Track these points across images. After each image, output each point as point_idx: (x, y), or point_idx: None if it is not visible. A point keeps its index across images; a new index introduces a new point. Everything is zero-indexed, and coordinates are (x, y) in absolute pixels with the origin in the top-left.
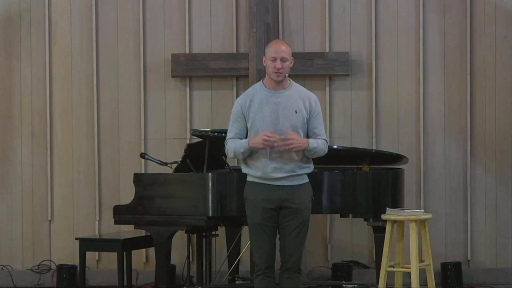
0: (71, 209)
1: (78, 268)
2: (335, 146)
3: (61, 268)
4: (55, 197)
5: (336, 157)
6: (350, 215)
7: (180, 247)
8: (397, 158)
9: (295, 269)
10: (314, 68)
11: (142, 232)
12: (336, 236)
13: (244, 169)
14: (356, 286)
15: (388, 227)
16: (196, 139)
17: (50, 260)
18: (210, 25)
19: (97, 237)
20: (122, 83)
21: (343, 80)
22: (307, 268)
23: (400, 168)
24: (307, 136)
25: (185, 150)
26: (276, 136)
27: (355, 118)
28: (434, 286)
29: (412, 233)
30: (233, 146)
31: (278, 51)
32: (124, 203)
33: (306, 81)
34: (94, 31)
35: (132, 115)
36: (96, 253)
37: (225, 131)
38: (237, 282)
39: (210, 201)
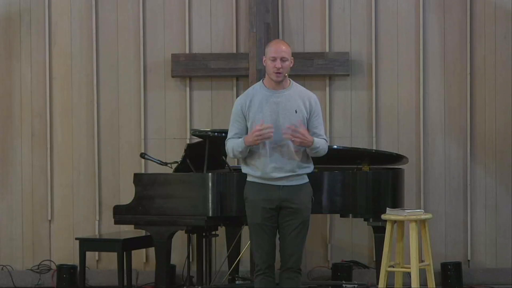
0: (71, 209)
1: (78, 268)
2: (335, 146)
3: (61, 268)
4: (55, 197)
5: (336, 157)
6: (350, 215)
7: (180, 247)
8: (397, 158)
9: (295, 269)
10: (314, 68)
11: (142, 232)
12: (336, 236)
13: (244, 169)
14: (356, 286)
15: (388, 227)
16: (196, 139)
17: (50, 260)
18: (210, 25)
19: (97, 237)
20: (122, 83)
21: (343, 80)
22: (307, 268)
23: (400, 168)
24: None
25: (185, 150)
26: (270, 124)
27: (355, 118)
28: (434, 286)
29: (412, 233)
30: (232, 146)
31: (278, 51)
32: (124, 203)
33: (306, 81)
34: (94, 31)
35: (132, 115)
36: (96, 253)
37: (225, 131)
38: (237, 282)
39: (210, 201)
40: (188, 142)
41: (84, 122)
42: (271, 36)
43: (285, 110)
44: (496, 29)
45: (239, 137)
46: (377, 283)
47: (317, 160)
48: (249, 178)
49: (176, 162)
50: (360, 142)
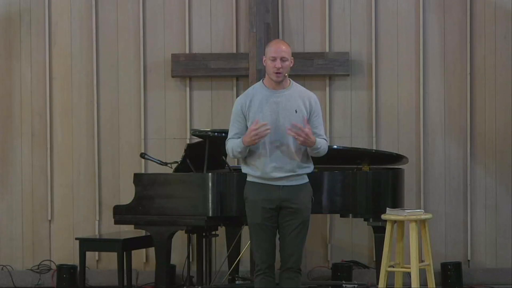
0: (71, 209)
1: (78, 268)
2: (335, 146)
3: (61, 268)
4: (55, 197)
5: (336, 157)
6: (350, 215)
7: (180, 247)
8: (397, 158)
9: (295, 269)
10: (314, 68)
11: (142, 232)
12: (336, 236)
13: (244, 169)
14: (356, 286)
15: (388, 227)
16: (196, 139)
17: (50, 260)
18: (210, 25)
19: (97, 237)
20: (122, 83)
21: (343, 80)
22: (307, 268)
23: (400, 168)
24: None
25: (185, 150)
26: (265, 122)
27: (355, 118)
28: (434, 286)
29: (412, 233)
30: (231, 146)
31: (278, 51)
32: (124, 203)
33: (306, 81)
34: (94, 31)
35: (132, 115)
36: (96, 253)
37: (225, 131)
38: (237, 282)
39: (210, 201)
40: (188, 142)
41: (84, 122)
42: (271, 36)
43: (285, 110)
44: (496, 29)
45: (239, 137)
46: (377, 283)
47: (317, 160)
48: (249, 178)
49: (176, 162)
50: (360, 142)
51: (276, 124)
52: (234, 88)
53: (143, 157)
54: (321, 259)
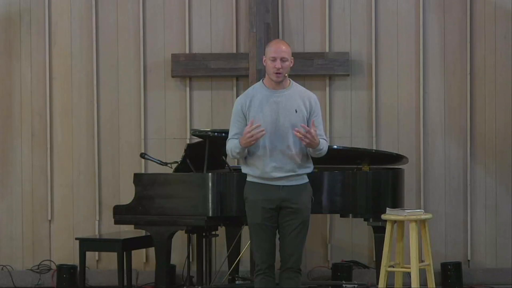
0: (71, 209)
1: (78, 268)
2: (335, 146)
3: (61, 268)
4: (55, 197)
5: (336, 157)
6: (350, 215)
7: (180, 247)
8: (397, 158)
9: (295, 269)
10: (314, 68)
11: (142, 232)
12: (336, 236)
13: (244, 169)
14: (356, 286)
15: (388, 227)
16: (196, 139)
17: (50, 260)
18: (210, 25)
19: (97, 237)
20: (122, 83)
21: (343, 80)
22: (307, 268)
23: (400, 168)
24: None
25: (185, 150)
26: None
27: (355, 118)
28: (434, 286)
29: (412, 233)
30: (230, 146)
31: (278, 51)
32: (124, 203)
33: (306, 81)
34: (94, 31)
35: (132, 115)
36: (96, 253)
37: (225, 131)
38: (237, 282)
39: (210, 201)
40: (188, 142)
41: (84, 122)
42: (271, 36)
43: (285, 110)
44: (496, 29)
45: (239, 137)
46: (377, 283)
47: (317, 160)
48: (249, 178)
49: (176, 162)
50: (360, 142)
51: (276, 124)
52: (234, 88)
53: (143, 157)
54: (321, 259)
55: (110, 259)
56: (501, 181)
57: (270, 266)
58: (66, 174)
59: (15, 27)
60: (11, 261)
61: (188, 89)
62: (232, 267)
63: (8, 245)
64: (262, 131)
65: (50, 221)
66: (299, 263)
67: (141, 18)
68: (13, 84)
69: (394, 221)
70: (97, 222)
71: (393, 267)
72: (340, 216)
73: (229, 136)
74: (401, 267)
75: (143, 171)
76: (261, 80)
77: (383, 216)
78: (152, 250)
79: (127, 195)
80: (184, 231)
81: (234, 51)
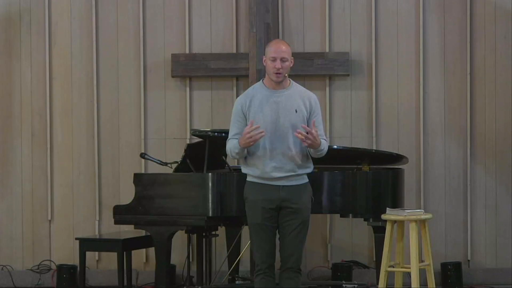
0: (71, 209)
1: (78, 268)
2: (335, 146)
3: (61, 268)
4: (55, 197)
5: (336, 157)
6: (350, 215)
7: (180, 247)
8: (397, 158)
9: (295, 269)
10: (314, 68)
11: (142, 232)
12: (336, 236)
13: (244, 169)
14: (356, 286)
15: (388, 227)
16: (196, 139)
17: (50, 260)
18: (210, 25)
19: (97, 237)
20: (122, 83)
21: (343, 80)
22: (307, 268)
23: (400, 168)
24: None
25: (185, 150)
26: (258, 125)
27: (355, 118)
28: (434, 286)
29: (412, 233)
30: (229, 147)
31: (278, 51)
32: (124, 203)
33: (306, 81)
34: (94, 31)
35: (132, 115)
36: (96, 253)
37: (225, 131)
38: (237, 282)
39: (210, 201)
40: (188, 142)
41: (84, 122)
42: (271, 36)
43: (285, 110)
44: (496, 29)
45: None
46: (377, 283)
47: (317, 160)
48: (249, 178)
49: (176, 162)
50: (360, 142)
51: (276, 124)
52: (234, 88)
53: (143, 157)
54: (321, 259)
55: (110, 259)
56: (501, 181)
57: (270, 266)
58: (66, 174)
59: (15, 27)
60: (11, 261)
61: (188, 89)
62: (232, 267)
63: (8, 245)
64: (262, 132)
65: (50, 221)
66: (299, 263)
67: (141, 18)
68: (13, 84)
69: (394, 221)
70: (97, 222)
71: (393, 267)
72: (340, 216)
73: (229, 136)
74: (401, 267)
75: (143, 171)
76: (261, 80)
77: (383, 216)
78: (152, 250)
79: (127, 195)
80: (184, 231)
81: (234, 51)
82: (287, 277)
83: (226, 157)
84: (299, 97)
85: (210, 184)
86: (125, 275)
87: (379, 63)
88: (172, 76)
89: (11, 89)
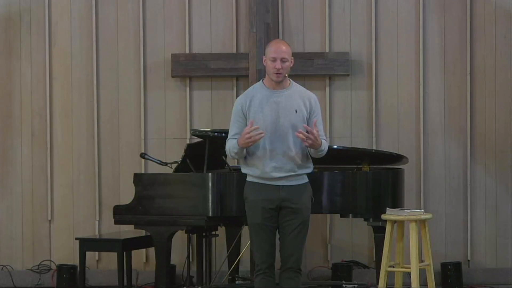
0: (71, 209)
1: (78, 268)
2: (335, 146)
3: (61, 268)
4: (55, 197)
5: (336, 157)
6: (350, 215)
7: (180, 247)
8: (397, 158)
9: (295, 269)
10: (314, 68)
11: (142, 232)
12: (336, 236)
13: (244, 169)
14: (356, 286)
15: (388, 227)
16: (196, 139)
17: (50, 260)
18: (210, 25)
19: (97, 237)
20: (122, 83)
21: (343, 80)
22: (307, 268)
23: (400, 168)
24: None
25: (185, 150)
26: (257, 126)
27: (355, 118)
28: (434, 286)
29: (412, 233)
30: (228, 146)
31: (278, 51)
32: (124, 203)
33: (306, 81)
34: (94, 31)
35: (132, 115)
36: (96, 253)
37: (225, 131)
38: (237, 282)
39: (210, 201)
40: (188, 142)
41: (84, 122)
42: (271, 36)
43: (285, 110)
44: (496, 29)
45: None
46: (377, 283)
47: (317, 160)
48: (249, 178)
49: (176, 162)
50: (360, 142)
51: (276, 124)
52: (234, 88)
53: (143, 157)
54: (321, 259)
55: (110, 259)
56: (501, 181)
57: (270, 266)
58: (66, 174)
59: (15, 27)
60: (11, 261)
61: (188, 89)
62: (232, 267)
63: (8, 245)
64: (261, 133)
65: (50, 221)
66: (299, 263)
67: (141, 18)
68: (13, 84)
69: (394, 221)
70: (97, 222)
71: (393, 267)
72: (340, 216)
73: (229, 136)
74: (401, 267)
75: (143, 171)
76: (261, 80)
77: (383, 216)
78: (152, 250)
79: (127, 195)
80: (184, 231)
81: (234, 51)
82: (287, 277)
83: (226, 157)
84: (299, 97)
85: (210, 184)
86: (125, 275)
87: (379, 63)
88: (172, 76)
89: (11, 89)
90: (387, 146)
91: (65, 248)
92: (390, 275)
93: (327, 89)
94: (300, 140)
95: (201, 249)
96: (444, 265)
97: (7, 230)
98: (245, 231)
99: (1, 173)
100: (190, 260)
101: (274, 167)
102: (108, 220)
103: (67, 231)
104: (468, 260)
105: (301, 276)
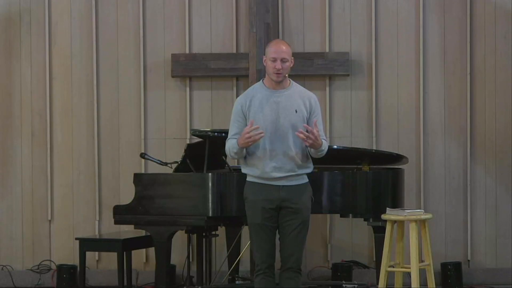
0: (71, 209)
1: (78, 268)
2: (335, 146)
3: (61, 268)
4: (55, 197)
5: (336, 157)
6: (350, 215)
7: (180, 247)
8: (397, 158)
9: (295, 269)
10: (314, 68)
11: (142, 232)
12: (336, 236)
13: (244, 169)
14: (356, 286)
15: (388, 227)
16: (196, 139)
17: (50, 260)
18: (210, 25)
19: (97, 237)
20: (122, 83)
21: (343, 80)
22: (307, 268)
23: (400, 168)
24: None
25: (185, 150)
26: (257, 126)
27: (355, 118)
28: (434, 286)
29: (412, 233)
30: (228, 146)
31: (278, 52)
32: (124, 203)
33: (306, 81)
34: (94, 31)
35: (132, 115)
36: (96, 253)
37: (225, 131)
38: (237, 282)
39: (210, 201)
40: (188, 142)
41: (84, 122)
42: (271, 36)
43: (285, 110)
44: (496, 29)
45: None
46: (377, 283)
47: (317, 160)
48: (249, 178)
49: (176, 162)
50: (360, 142)
51: (276, 124)
52: (234, 88)
53: (143, 157)
54: (321, 259)
55: (110, 259)
56: (501, 181)
57: (270, 266)
58: (66, 174)
59: (15, 27)
60: (11, 261)
61: (188, 89)
62: (232, 267)
63: (8, 245)
64: (261, 133)
65: (50, 221)
66: (299, 263)
67: (141, 18)
68: (13, 84)
69: (394, 221)
70: (97, 222)
71: (393, 267)
72: (340, 216)
73: (229, 135)
74: (401, 267)
75: (143, 171)
76: (261, 80)
77: (383, 216)
78: (152, 250)
79: (127, 195)
80: (184, 231)
81: (234, 51)
82: (287, 277)
83: (226, 157)
84: (299, 97)
85: (210, 184)
86: (125, 275)
87: (379, 63)
88: (172, 76)
89: (11, 89)
90: (387, 146)
91: (65, 248)
92: (390, 275)
93: (327, 89)
94: (300, 140)
95: (201, 249)
96: (444, 265)
97: (7, 230)
98: (245, 231)
99: (1, 173)
100: (190, 260)
101: (274, 167)
102: (108, 220)
103: (67, 231)
104: (468, 260)
105: (301, 276)
